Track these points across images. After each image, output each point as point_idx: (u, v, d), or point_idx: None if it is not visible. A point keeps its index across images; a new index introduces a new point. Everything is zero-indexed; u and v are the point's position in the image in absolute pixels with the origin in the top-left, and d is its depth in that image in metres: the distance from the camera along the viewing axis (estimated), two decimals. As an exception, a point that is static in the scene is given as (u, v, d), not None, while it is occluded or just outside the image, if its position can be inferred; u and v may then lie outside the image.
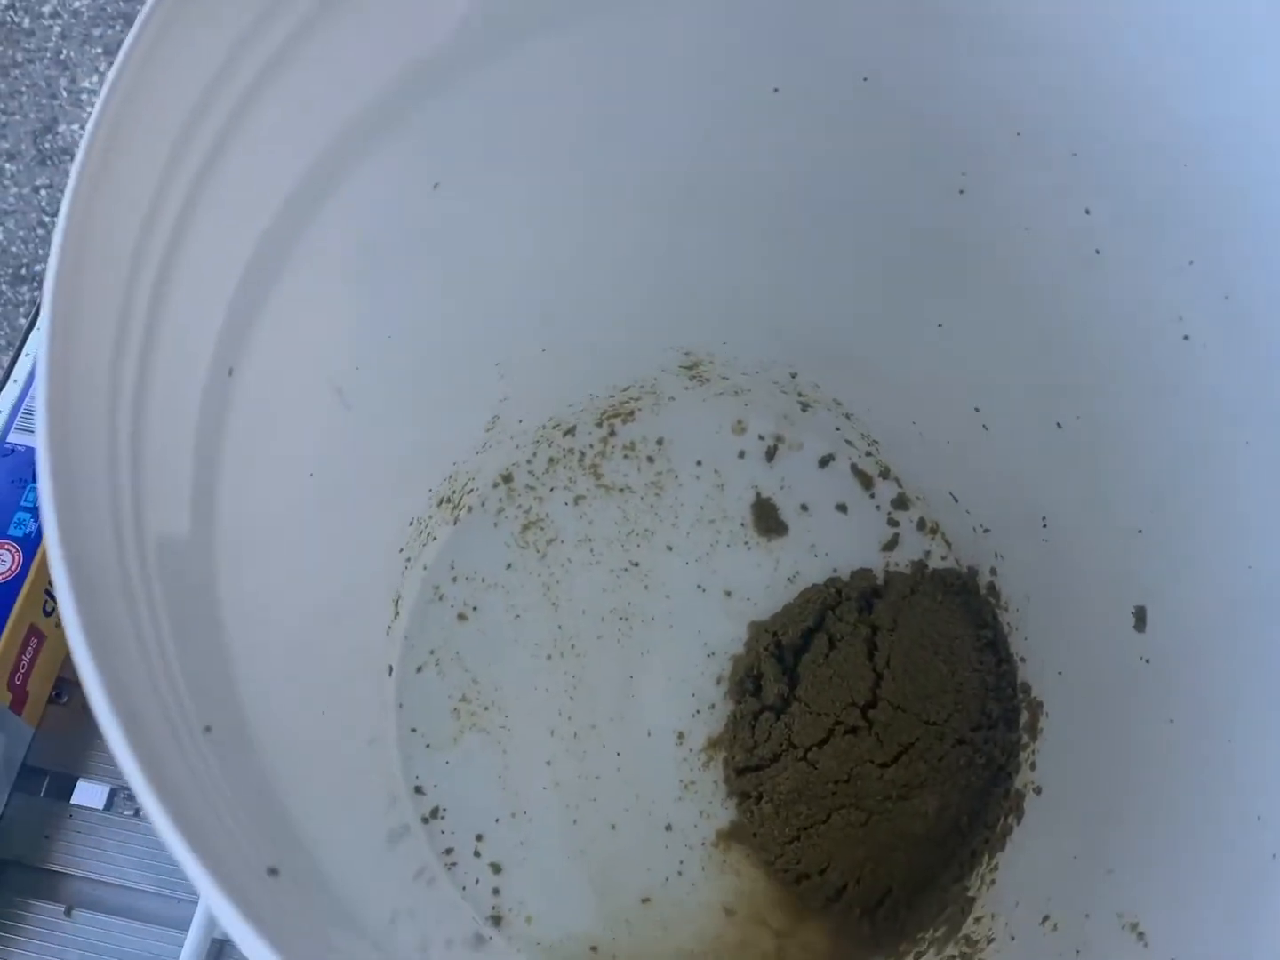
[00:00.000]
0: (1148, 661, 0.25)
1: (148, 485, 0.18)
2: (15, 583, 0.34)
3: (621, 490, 0.35)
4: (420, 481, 0.32)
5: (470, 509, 0.35)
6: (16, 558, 0.35)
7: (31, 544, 0.34)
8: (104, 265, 0.18)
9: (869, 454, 0.36)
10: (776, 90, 0.24)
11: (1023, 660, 0.31)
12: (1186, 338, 0.23)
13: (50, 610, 0.34)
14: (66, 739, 0.34)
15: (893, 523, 0.36)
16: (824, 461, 0.37)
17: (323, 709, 0.26)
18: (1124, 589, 0.26)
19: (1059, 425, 0.27)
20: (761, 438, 0.37)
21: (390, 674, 0.32)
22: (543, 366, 0.33)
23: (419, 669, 0.33)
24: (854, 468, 0.36)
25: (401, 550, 0.33)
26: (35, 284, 0.76)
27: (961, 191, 0.25)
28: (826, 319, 0.31)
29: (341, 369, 0.26)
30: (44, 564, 0.33)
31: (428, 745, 0.32)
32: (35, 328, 0.35)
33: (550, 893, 0.30)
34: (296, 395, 0.25)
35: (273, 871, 0.15)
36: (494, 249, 0.28)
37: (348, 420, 0.27)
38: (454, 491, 0.34)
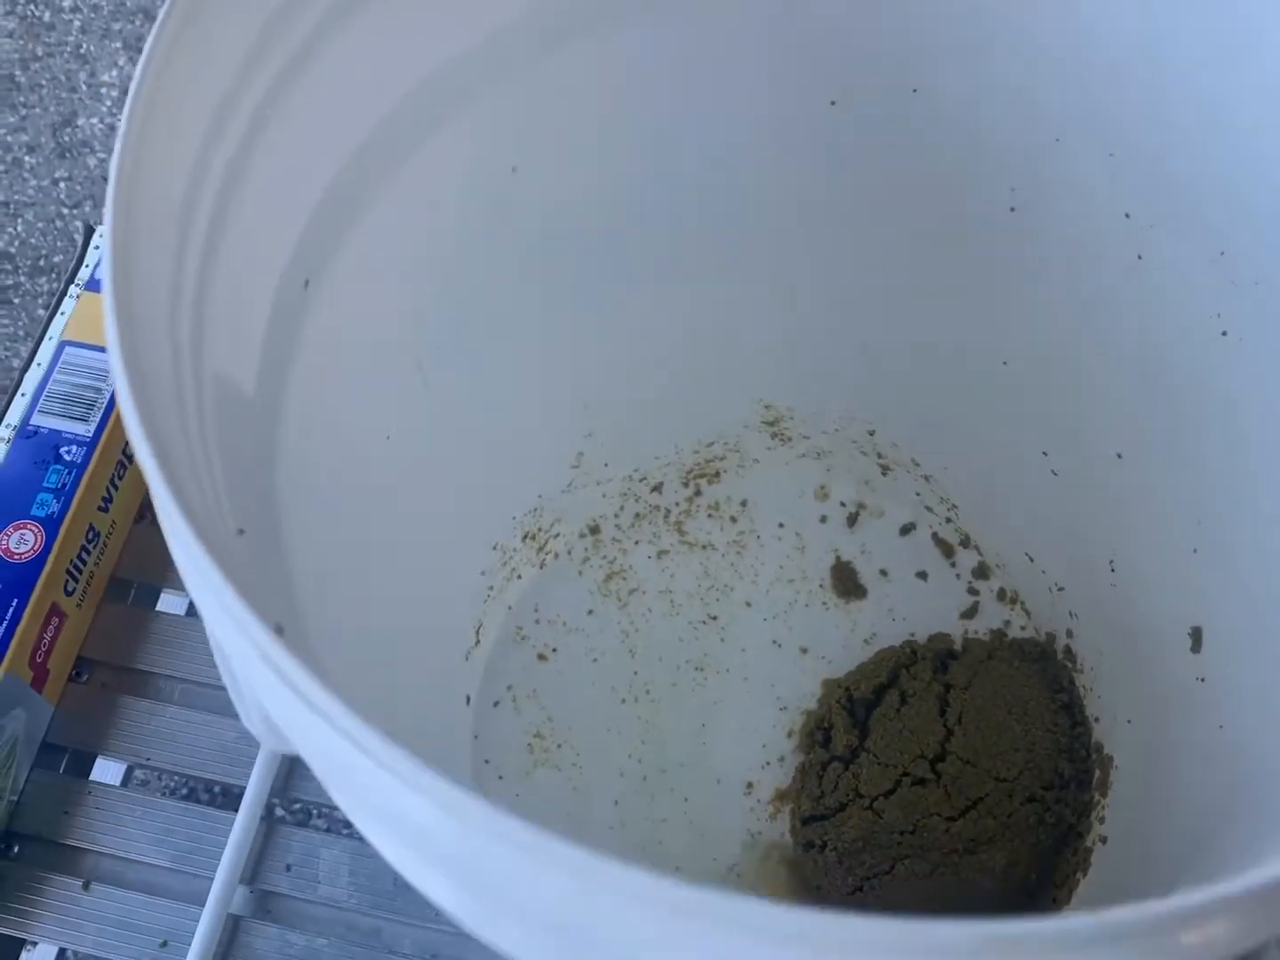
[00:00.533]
0: (1203, 680, 0.26)
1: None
2: (38, 562, 0.38)
3: (704, 547, 0.42)
4: (504, 501, 0.39)
5: (556, 555, 0.41)
6: (39, 537, 0.39)
7: (53, 524, 0.39)
8: (169, 148, 0.21)
9: (949, 520, 0.41)
10: (833, 103, 0.31)
11: (1096, 720, 0.33)
12: (1225, 334, 0.26)
13: (71, 589, 0.39)
14: (86, 717, 0.39)
15: (973, 591, 0.40)
16: (905, 530, 0.42)
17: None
18: (1182, 610, 0.27)
19: (1119, 455, 0.29)
20: (843, 504, 0.42)
21: (468, 703, 0.38)
22: (627, 408, 0.40)
23: (496, 703, 0.38)
24: (935, 536, 0.41)
25: (483, 573, 0.39)
26: (54, 275, 0.84)
27: (1012, 209, 0.31)
28: (895, 365, 0.38)
29: (422, 341, 0.31)
30: (66, 542, 0.38)
31: (500, 777, 0.37)
32: (59, 313, 0.41)
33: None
34: (376, 344, 0.29)
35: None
36: (566, 254, 0.34)
37: (428, 398, 0.33)
38: (539, 530, 0.40)
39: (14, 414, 0.38)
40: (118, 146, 0.20)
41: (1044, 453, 0.35)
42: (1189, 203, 0.28)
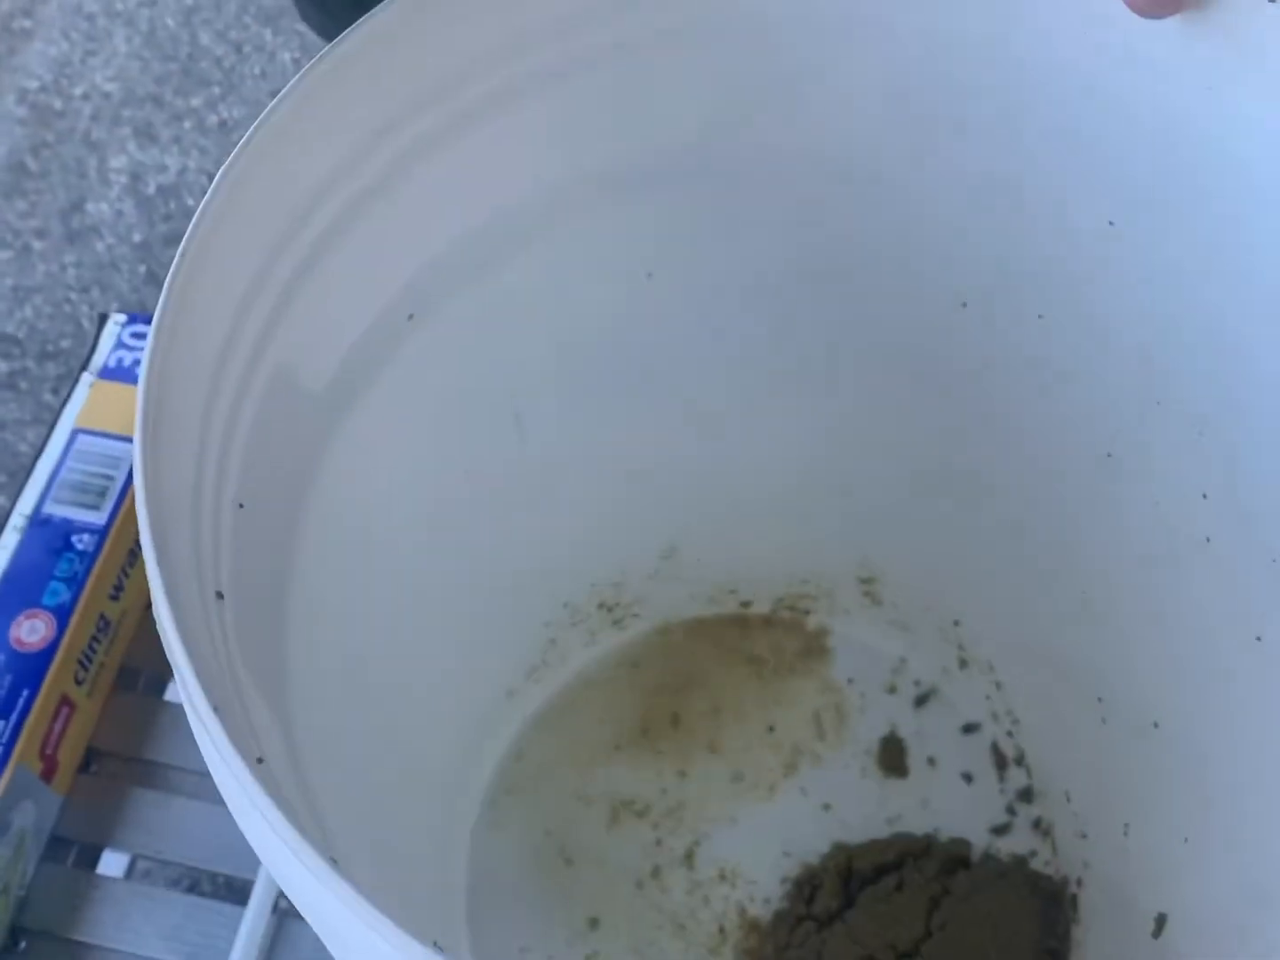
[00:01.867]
0: None
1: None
2: (48, 652, 0.56)
3: (770, 667, 0.61)
4: (584, 563, 0.59)
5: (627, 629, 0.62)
6: (50, 627, 0.57)
7: (64, 613, 0.57)
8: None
9: (1010, 734, 0.59)
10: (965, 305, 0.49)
11: None
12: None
13: (81, 679, 0.58)
14: (95, 809, 0.58)
15: (1011, 811, 0.59)
16: (968, 728, 0.61)
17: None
18: (1152, 898, 0.44)
19: (1156, 725, 0.46)
20: (917, 683, 0.62)
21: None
22: (728, 517, 0.59)
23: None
24: (994, 745, 0.60)
25: (547, 625, 0.59)
26: (61, 360, 1.17)
27: (1109, 455, 0.48)
28: (978, 564, 0.56)
29: (524, 399, 0.51)
30: (77, 632, 0.58)
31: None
32: (70, 400, 0.61)
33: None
34: (472, 382, 0.48)
35: None
36: (694, 360, 0.53)
37: (519, 450, 0.52)
38: (618, 603, 0.61)
39: (26, 502, 0.58)
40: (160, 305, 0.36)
41: (1099, 699, 0.51)
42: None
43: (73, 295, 1.18)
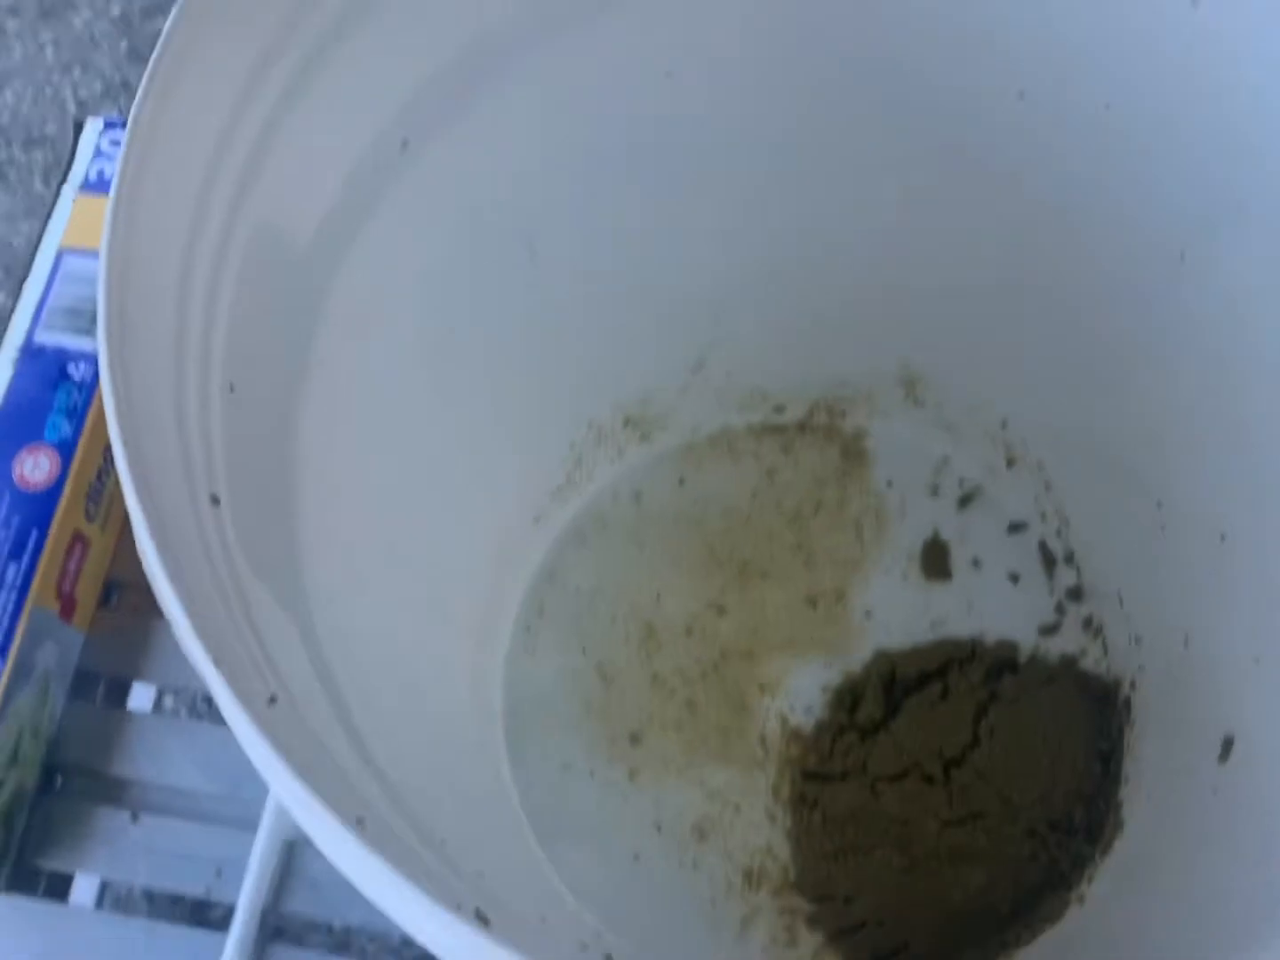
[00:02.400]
0: (1215, 792, 0.42)
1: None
2: (55, 490, 0.54)
3: (810, 476, 0.59)
4: (607, 382, 0.56)
5: (654, 445, 0.60)
6: (54, 463, 0.54)
7: (68, 448, 0.54)
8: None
9: (1059, 533, 0.57)
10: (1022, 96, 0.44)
11: (1127, 781, 0.48)
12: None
13: (93, 515, 0.56)
14: (119, 642, 0.57)
15: (1060, 610, 0.57)
16: (1014, 528, 0.58)
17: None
18: (1217, 715, 0.42)
19: (1223, 538, 0.43)
20: (961, 482, 0.59)
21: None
22: (758, 324, 0.56)
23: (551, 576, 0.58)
24: (1042, 544, 0.58)
25: (572, 445, 0.57)
26: (48, 147, 1.10)
27: (1182, 256, 0.44)
28: (1035, 364, 0.53)
29: (536, 218, 0.47)
30: (83, 466, 0.54)
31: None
32: (52, 218, 0.56)
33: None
34: (478, 205, 0.44)
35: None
36: (722, 166, 0.48)
37: (531, 273, 0.48)
38: (644, 418, 0.58)
39: (16, 332, 0.55)
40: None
41: (1159, 504, 0.49)
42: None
43: (54, 76, 1.12)
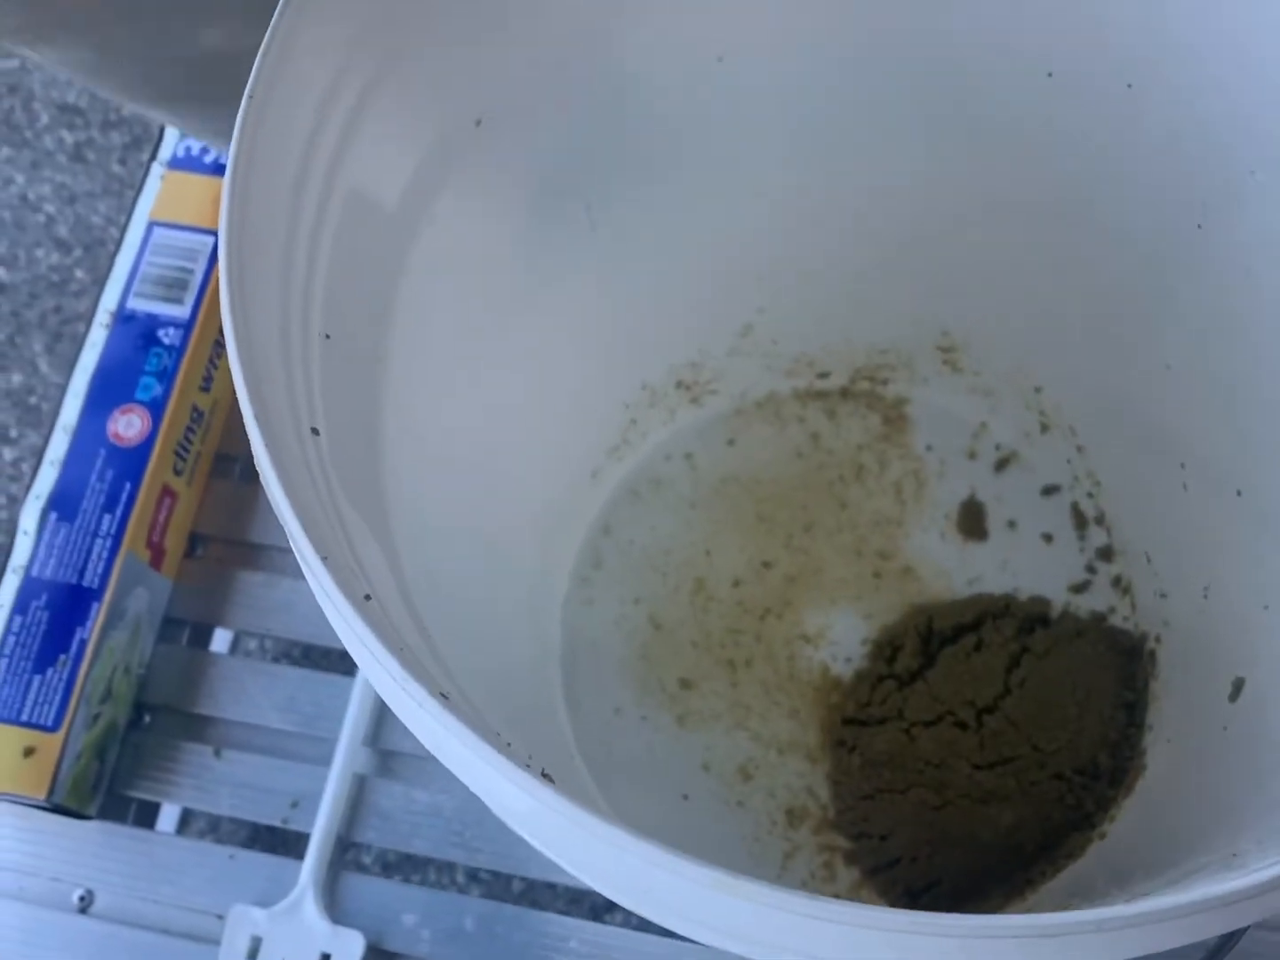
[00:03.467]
0: (1225, 729, 0.46)
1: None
2: (146, 446, 0.60)
3: (851, 443, 0.64)
4: (661, 344, 0.61)
5: (703, 407, 0.64)
6: (145, 421, 0.61)
7: (158, 407, 0.61)
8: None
9: (1090, 495, 0.61)
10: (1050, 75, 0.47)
11: (1150, 728, 0.51)
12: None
13: (180, 470, 0.62)
14: (203, 591, 0.63)
15: (1090, 569, 0.61)
16: (1048, 490, 0.62)
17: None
18: (1234, 661, 0.46)
19: (1239, 493, 0.47)
20: (998, 447, 0.63)
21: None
22: (803, 292, 0.60)
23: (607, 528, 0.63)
24: (1074, 506, 0.62)
25: (627, 406, 0.62)
26: (125, 129, 1.15)
27: (1200, 226, 0.48)
28: (1067, 332, 0.57)
29: (594, 188, 0.52)
30: (172, 424, 0.61)
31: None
32: (143, 193, 0.62)
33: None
34: (541, 175, 0.49)
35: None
36: (768, 141, 0.53)
37: (591, 239, 0.53)
38: (695, 382, 0.63)
39: (110, 298, 0.60)
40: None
41: (1182, 464, 0.52)
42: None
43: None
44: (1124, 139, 0.47)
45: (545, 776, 0.28)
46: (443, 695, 0.29)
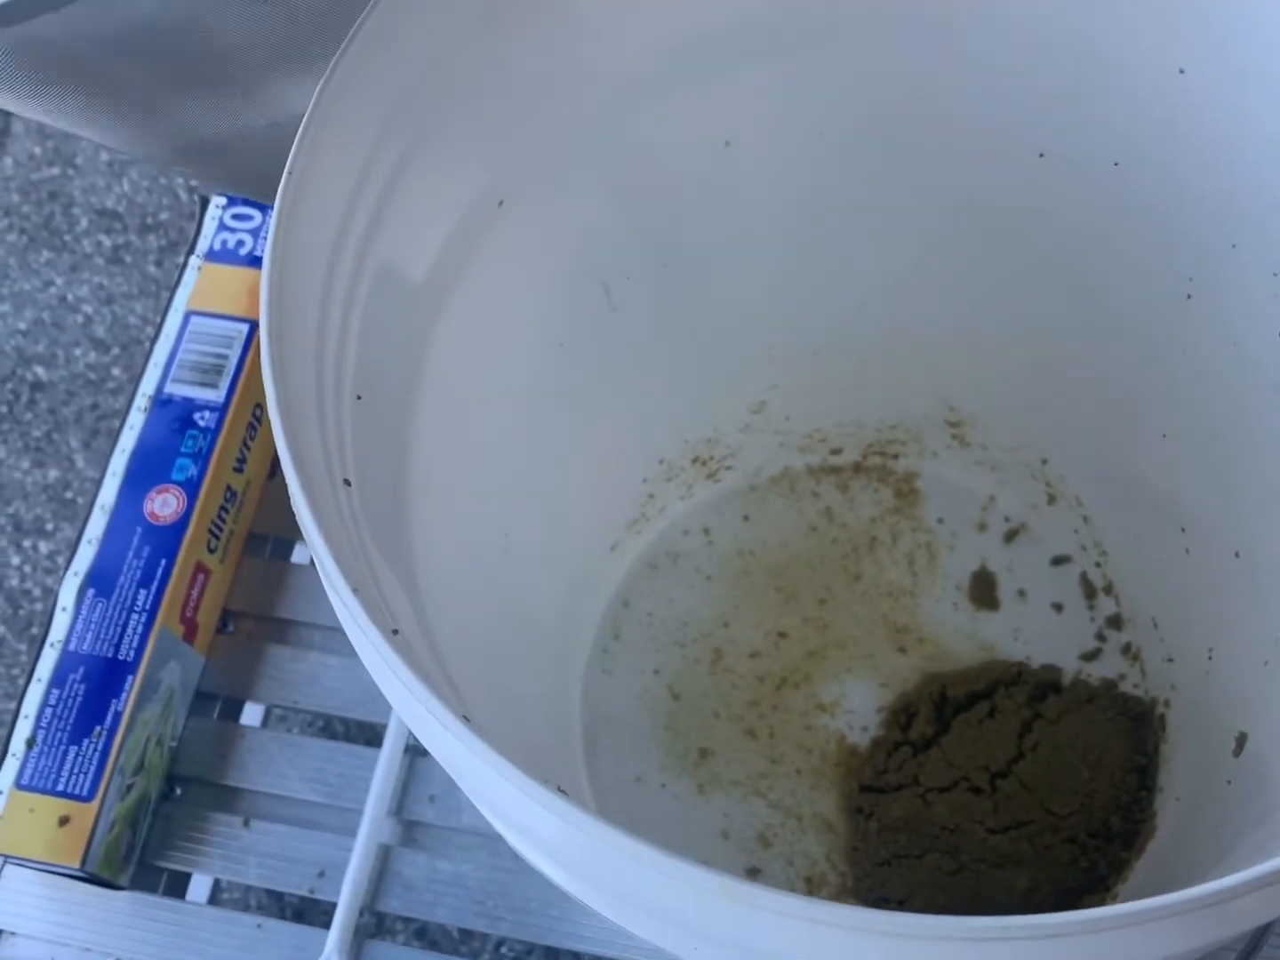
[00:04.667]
0: (1230, 783, 0.47)
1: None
2: (181, 524, 0.63)
3: (864, 516, 0.66)
4: (677, 421, 0.64)
5: (720, 482, 0.67)
6: (181, 500, 0.64)
7: (193, 487, 0.64)
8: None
9: (1098, 564, 0.64)
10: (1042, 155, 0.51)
11: (1161, 790, 0.53)
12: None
13: (213, 547, 0.66)
14: (234, 665, 0.66)
15: (1100, 638, 0.63)
16: (1058, 560, 0.65)
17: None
18: (1238, 717, 0.48)
19: (1237, 555, 0.49)
20: (1007, 519, 0.66)
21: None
22: (814, 369, 0.63)
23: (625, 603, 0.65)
24: (1083, 575, 0.64)
25: (645, 480, 0.65)
26: (161, 233, 1.20)
27: (1189, 297, 0.51)
28: (1068, 403, 0.60)
29: (611, 270, 0.55)
30: (206, 504, 0.64)
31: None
32: (181, 284, 0.67)
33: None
34: (562, 258, 0.53)
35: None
36: (774, 222, 0.56)
37: (609, 319, 0.56)
38: (711, 457, 0.66)
39: (148, 383, 0.63)
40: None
41: (1182, 529, 0.55)
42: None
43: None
44: (1113, 214, 0.50)
45: (561, 791, 0.30)
46: (465, 718, 0.31)
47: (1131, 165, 0.48)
